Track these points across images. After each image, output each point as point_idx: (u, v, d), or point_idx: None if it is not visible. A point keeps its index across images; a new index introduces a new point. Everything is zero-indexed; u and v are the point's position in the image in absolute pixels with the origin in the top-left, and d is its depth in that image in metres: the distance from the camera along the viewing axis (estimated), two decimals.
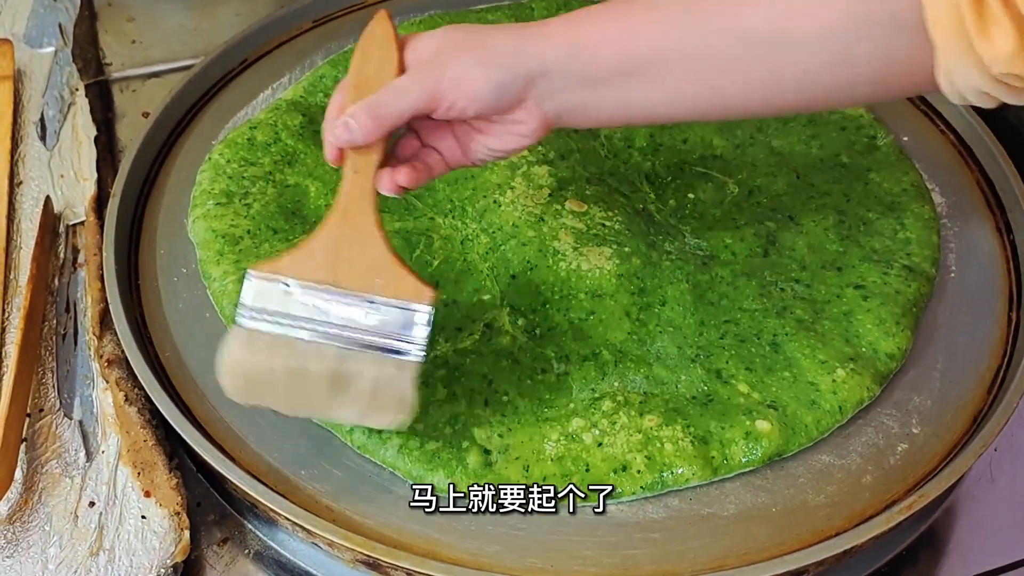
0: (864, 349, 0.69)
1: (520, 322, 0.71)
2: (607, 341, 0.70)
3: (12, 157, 0.87)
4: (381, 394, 0.58)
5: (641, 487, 0.62)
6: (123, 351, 0.69)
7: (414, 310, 0.58)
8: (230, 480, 0.62)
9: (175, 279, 0.75)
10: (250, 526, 0.67)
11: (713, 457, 0.63)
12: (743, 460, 0.64)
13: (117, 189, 0.78)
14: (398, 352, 0.58)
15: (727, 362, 0.68)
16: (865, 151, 0.83)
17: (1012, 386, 0.67)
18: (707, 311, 0.71)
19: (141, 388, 0.68)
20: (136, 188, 0.80)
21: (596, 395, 0.67)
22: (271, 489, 0.62)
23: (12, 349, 0.71)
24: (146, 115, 0.94)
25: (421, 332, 0.58)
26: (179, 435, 0.65)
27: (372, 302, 0.58)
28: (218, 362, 0.59)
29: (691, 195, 0.80)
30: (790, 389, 0.67)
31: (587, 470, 0.63)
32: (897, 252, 0.75)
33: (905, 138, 0.86)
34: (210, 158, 0.81)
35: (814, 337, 0.69)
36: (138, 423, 0.68)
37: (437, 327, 0.70)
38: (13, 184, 0.85)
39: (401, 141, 0.63)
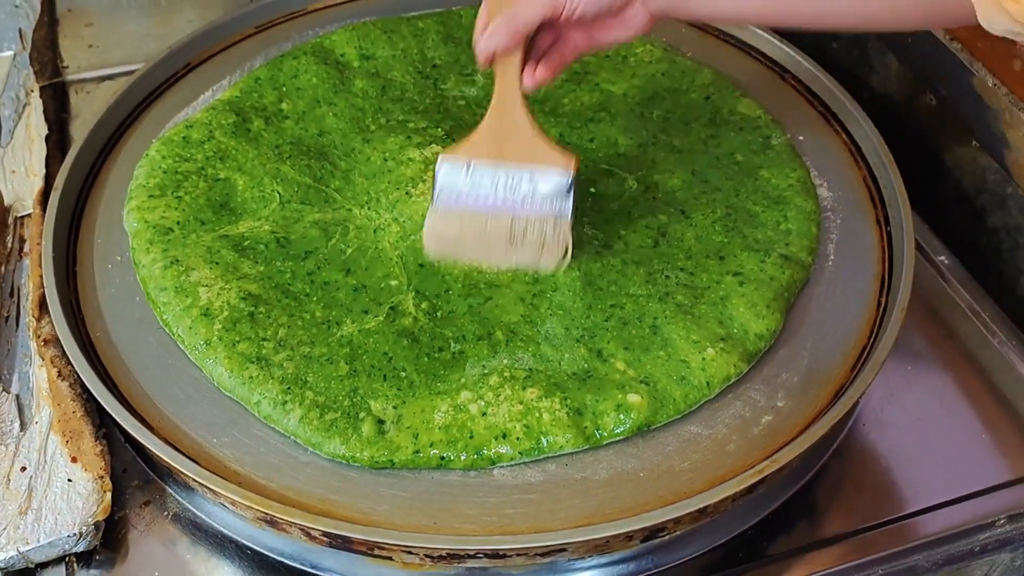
0: (735, 330, 0.75)
1: (423, 305, 0.77)
2: (501, 322, 0.76)
3: None
4: (548, 244, 0.74)
5: (520, 452, 0.68)
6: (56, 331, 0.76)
7: (562, 176, 0.73)
8: (147, 447, 0.68)
9: (109, 266, 0.81)
10: (170, 490, 0.73)
11: (586, 427, 0.69)
12: (614, 430, 0.70)
13: (59, 183, 0.84)
14: (554, 210, 0.73)
15: (608, 342, 0.74)
16: (759, 150, 0.89)
17: (869, 363, 0.73)
18: (595, 295, 0.77)
19: (73, 365, 0.74)
20: (78, 182, 0.87)
21: (486, 371, 0.73)
22: (183, 455, 0.68)
23: None
24: None
25: (568, 194, 0.73)
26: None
27: (530, 172, 0.73)
28: (424, 232, 0.76)
29: (592, 189, 0.86)
30: (663, 367, 0.73)
31: (471, 437, 0.69)
32: (777, 242, 0.81)
33: (801, 137, 0.92)
34: (147, 154, 0.87)
35: (691, 320, 0.75)
36: (69, 396, 0.74)
37: (344, 309, 0.76)
38: None
39: (538, 38, 0.74)
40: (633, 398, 0.70)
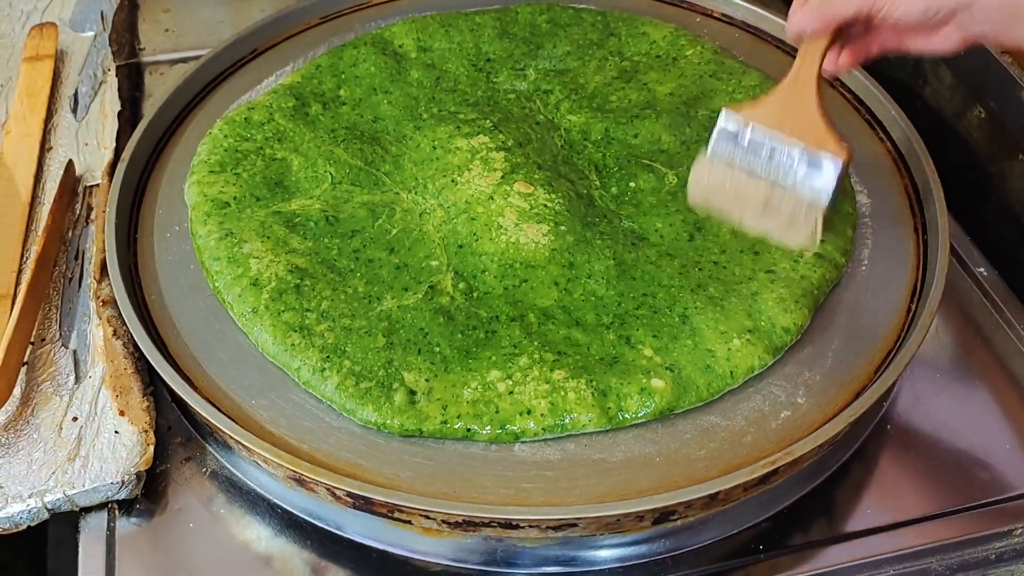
0: (763, 323, 0.76)
1: (461, 285, 0.80)
2: (535, 306, 0.78)
3: (46, 126, 0.99)
4: (797, 223, 0.74)
5: (543, 428, 0.71)
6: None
7: (830, 162, 0.73)
8: (190, 405, 0.72)
9: (168, 235, 0.86)
10: (210, 449, 0.77)
11: (609, 408, 0.72)
12: (637, 412, 0.72)
13: (126, 155, 0.89)
14: (813, 192, 0.74)
15: (638, 330, 0.76)
16: None
17: (893, 365, 0.74)
18: (628, 285, 0.79)
19: (127, 325, 0.79)
20: (144, 156, 0.92)
21: (517, 352, 0.75)
22: (223, 414, 0.72)
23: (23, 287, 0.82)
24: None
25: (831, 180, 0.73)
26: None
27: (802, 150, 0.74)
28: (691, 173, 0.77)
29: (632, 184, 0.88)
30: (689, 355, 0.75)
31: (496, 412, 0.72)
32: None
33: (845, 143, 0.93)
34: (211, 132, 0.92)
35: (720, 311, 0.77)
36: (122, 354, 0.79)
37: (385, 286, 0.79)
38: (44, 149, 0.97)
39: (852, 24, 0.73)
40: (657, 383, 0.72)
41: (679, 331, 0.76)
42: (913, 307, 0.80)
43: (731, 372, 0.74)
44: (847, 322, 0.79)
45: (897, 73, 1.09)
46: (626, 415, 0.72)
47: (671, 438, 0.72)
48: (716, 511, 0.70)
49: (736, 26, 1.08)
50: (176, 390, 0.72)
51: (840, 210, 0.85)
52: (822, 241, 0.81)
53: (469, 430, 0.71)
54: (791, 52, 1.01)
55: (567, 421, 0.71)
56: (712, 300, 0.78)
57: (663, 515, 0.68)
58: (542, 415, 0.71)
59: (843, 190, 0.86)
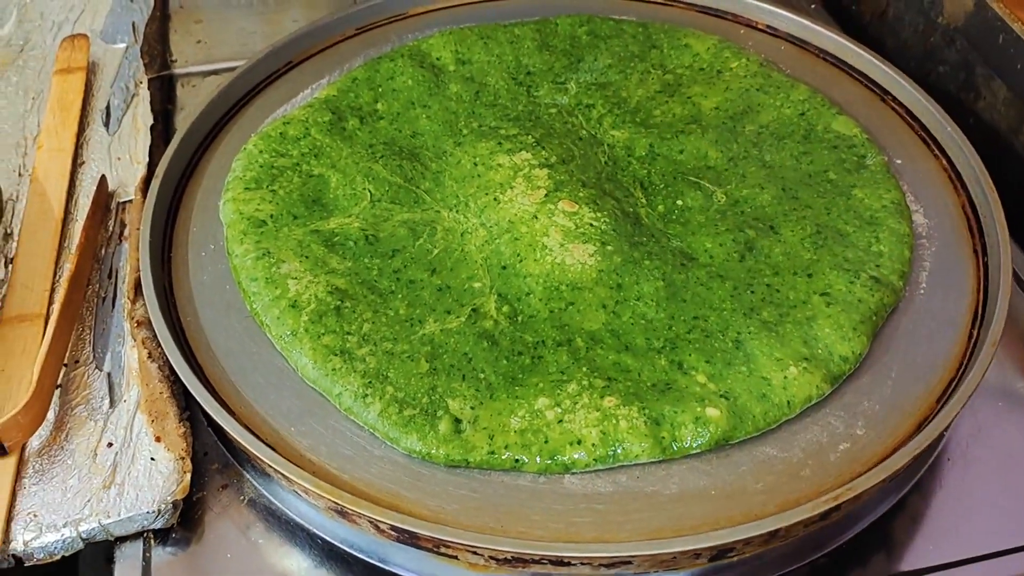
0: (820, 351, 0.74)
1: (504, 308, 0.77)
2: (582, 329, 0.76)
3: (78, 140, 0.98)
4: None
5: (595, 459, 0.68)
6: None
7: None
8: (228, 432, 0.70)
9: (203, 254, 0.84)
10: (248, 476, 0.75)
11: (663, 437, 0.69)
12: (691, 443, 0.69)
13: (160, 171, 0.87)
14: None
15: (690, 355, 0.74)
16: (853, 169, 0.87)
17: (956, 396, 0.71)
18: (679, 307, 0.77)
19: (161, 347, 0.77)
20: (178, 171, 0.90)
21: (565, 378, 0.73)
22: (262, 441, 0.70)
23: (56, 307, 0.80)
24: None
25: None
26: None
27: None
28: None
29: (679, 202, 0.85)
30: (744, 382, 0.72)
31: (546, 441, 0.69)
32: (867, 263, 0.79)
33: (899, 161, 0.90)
34: (245, 148, 0.90)
35: (775, 337, 0.74)
36: (157, 377, 0.77)
37: (428, 308, 0.77)
38: (76, 164, 0.96)
39: None
40: (712, 412, 0.70)
41: (733, 357, 0.73)
42: (975, 333, 0.77)
43: (788, 402, 0.71)
44: (906, 348, 0.76)
45: (948, 85, 1.06)
46: (680, 445, 0.69)
47: (726, 470, 0.69)
48: (774, 547, 0.68)
49: (781, 38, 1.05)
50: (214, 416, 0.70)
51: (896, 231, 0.82)
52: (877, 266, 0.79)
53: (517, 460, 0.69)
54: (837, 64, 0.99)
55: (619, 451, 0.69)
56: (766, 325, 0.75)
57: (720, 552, 0.65)
58: (593, 445, 0.69)
59: (900, 209, 0.84)
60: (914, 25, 1.12)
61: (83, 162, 0.96)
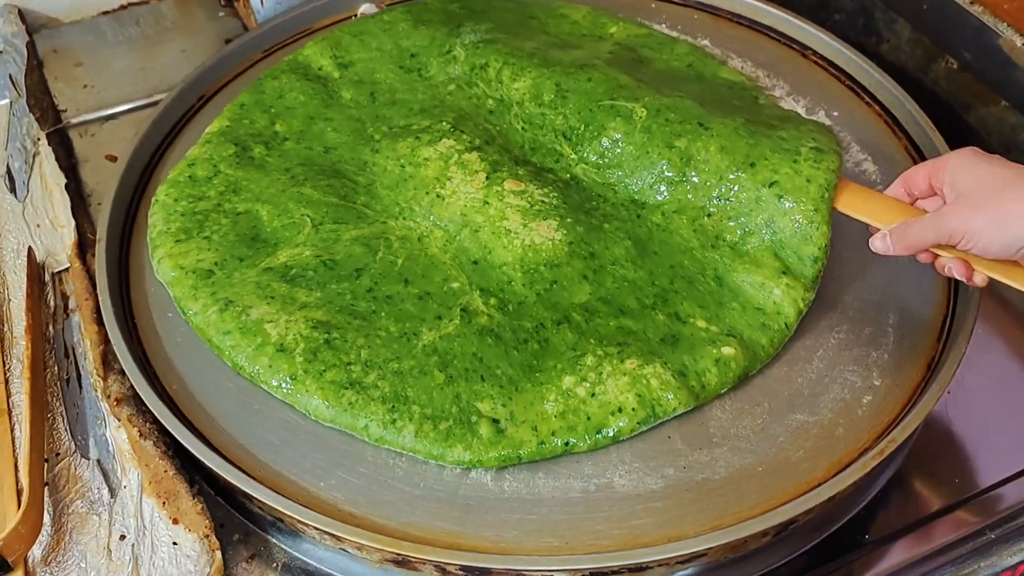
0: (791, 260, 0.76)
1: (492, 301, 0.76)
2: (573, 304, 0.75)
3: None
4: None
5: (637, 423, 0.69)
6: (132, 389, 0.73)
7: None
8: (256, 498, 0.66)
9: (168, 315, 0.78)
10: (274, 540, 0.71)
11: (693, 386, 0.71)
12: (719, 383, 0.72)
13: (101, 234, 0.81)
14: None
15: (682, 304, 0.76)
16: (751, 104, 0.89)
17: (960, 332, 0.73)
18: (653, 261, 0.78)
19: (154, 422, 0.72)
20: (117, 231, 0.83)
21: (578, 353, 0.72)
22: (295, 503, 0.66)
23: (22, 399, 0.73)
24: (112, 158, 0.97)
25: None
26: (197, 462, 0.69)
27: None
28: None
29: (605, 140, 0.83)
30: (741, 318, 0.75)
31: (588, 419, 0.69)
32: (803, 139, 0.80)
33: (835, 113, 0.93)
34: (157, 199, 0.84)
35: (748, 261, 0.77)
36: (156, 455, 0.71)
37: (417, 319, 0.74)
38: None
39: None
40: (728, 350, 0.72)
41: (720, 295, 0.76)
42: None
43: (785, 324, 0.75)
44: (896, 294, 0.79)
45: (848, 32, 1.10)
46: (709, 388, 0.71)
47: (766, 444, 0.70)
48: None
49: (691, 7, 1.06)
50: (240, 486, 0.66)
51: (816, 122, 0.84)
52: (814, 139, 0.80)
53: (567, 444, 0.68)
54: (751, 27, 1.01)
55: (657, 409, 0.70)
56: (735, 250, 0.78)
57: (784, 526, 0.66)
58: (633, 410, 0.69)
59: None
60: None
61: None
